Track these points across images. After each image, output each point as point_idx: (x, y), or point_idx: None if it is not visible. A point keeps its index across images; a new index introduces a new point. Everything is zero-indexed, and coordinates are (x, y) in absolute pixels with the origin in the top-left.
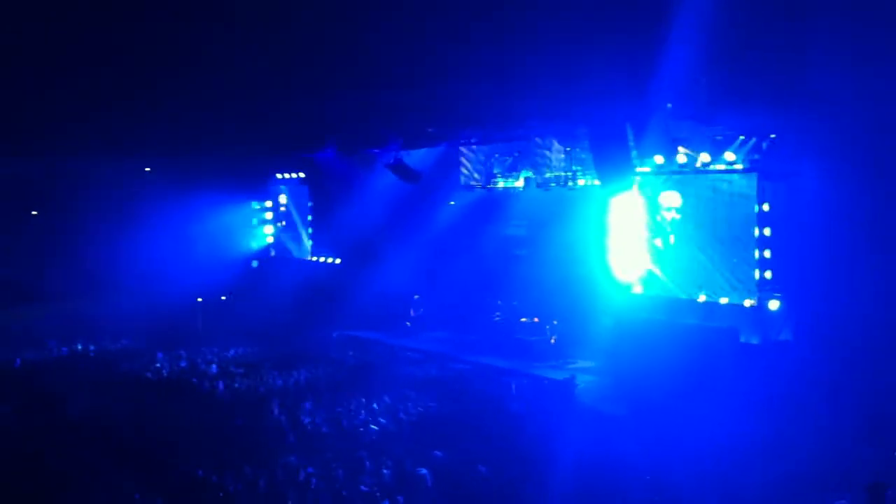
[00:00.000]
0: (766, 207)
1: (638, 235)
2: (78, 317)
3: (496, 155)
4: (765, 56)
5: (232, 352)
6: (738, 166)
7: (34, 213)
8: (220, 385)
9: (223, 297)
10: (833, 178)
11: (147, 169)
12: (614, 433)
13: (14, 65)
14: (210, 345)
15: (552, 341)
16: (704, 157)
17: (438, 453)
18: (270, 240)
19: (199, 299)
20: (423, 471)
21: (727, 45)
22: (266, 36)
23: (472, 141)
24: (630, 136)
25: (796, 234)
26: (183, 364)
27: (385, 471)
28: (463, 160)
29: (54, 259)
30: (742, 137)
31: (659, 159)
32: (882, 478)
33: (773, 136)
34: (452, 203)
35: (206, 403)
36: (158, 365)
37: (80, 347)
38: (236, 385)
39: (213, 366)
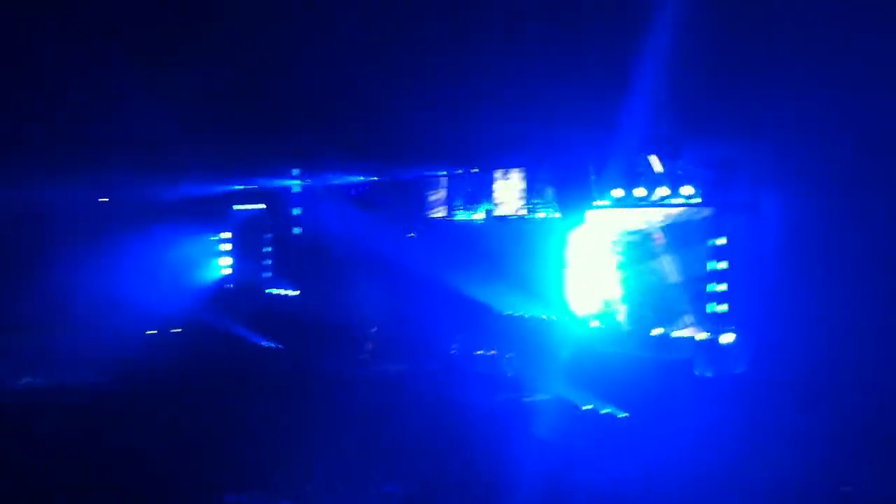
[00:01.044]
0: (722, 241)
1: (595, 268)
2: (28, 349)
3: (457, 187)
4: (724, 91)
5: (185, 385)
6: (697, 200)
7: None
8: (166, 418)
9: (175, 330)
10: (790, 211)
11: (104, 199)
12: (570, 464)
13: None
14: (162, 377)
15: (509, 374)
16: (663, 191)
17: (393, 488)
18: (228, 271)
19: (153, 332)
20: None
21: (687, 79)
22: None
23: (434, 173)
24: (591, 170)
25: (752, 267)
26: (135, 397)
27: None
28: (423, 192)
29: (8, 292)
30: (701, 171)
31: (618, 192)
32: None
33: (731, 170)
34: (412, 234)
35: (154, 436)
36: (106, 397)
37: (26, 380)
38: (182, 419)
39: (166, 399)
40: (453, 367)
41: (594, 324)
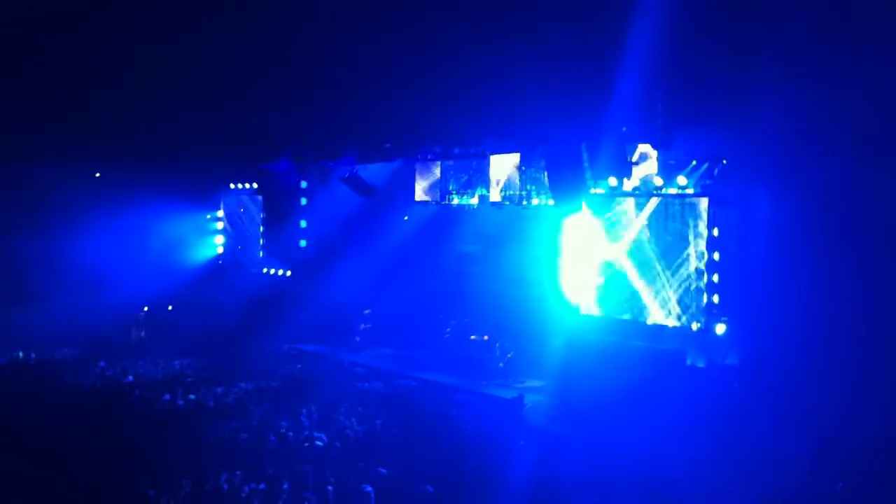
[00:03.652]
0: (715, 232)
1: (589, 256)
2: (22, 323)
3: (451, 171)
4: (717, 82)
5: (177, 363)
6: (690, 190)
7: None
8: (164, 397)
9: (170, 307)
10: (782, 203)
11: (97, 174)
12: (561, 453)
13: None
14: (154, 356)
15: (501, 361)
16: (657, 181)
17: (383, 470)
18: (220, 250)
19: (145, 308)
20: (368, 488)
21: (681, 70)
22: (224, 47)
23: (428, 157)
24: (585, 158)
25: (745, 258)
26: (125, 375)
27: (329, 487)
28: (417, 176)
29: None
30: (695, 162)
31: (612, 181)
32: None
33: (724, 161)
34: (406, 218)
35: (147, 416)
36: (99, 375)
37: (20, 355)
38: (179, 398)
39: (157, 377)
40: (446, 352)
41: (587, 311)
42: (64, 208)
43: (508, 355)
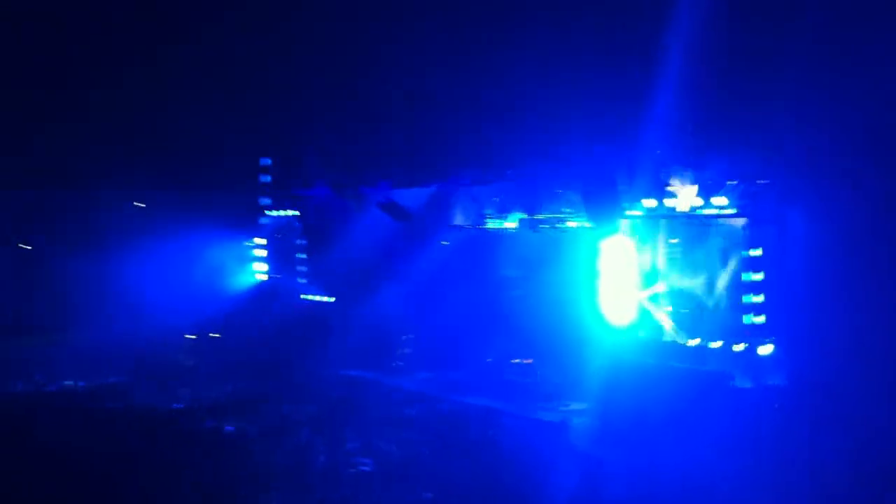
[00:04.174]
0: (757, 252)
1: (628, 278)
2: (69, 350)
3: (488, 196)
4: (752, 101)
5: (222, 389)
6: (729, 211)
7: (26, 246)
8: (210, 423)
9: (214, 335)
10: (824, 221)
11: (141, 204)
12: (606, 476)
13: (8, 92)
14: (201, 382)
15: (544, 384)
16: (695, 202)
17: (428, 494)
18: (262, 276)
19: (191, 336)
20: None
21: (716, 91)
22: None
23: (464, 182)
24: (621, 180)
25: (788, 278)
26: (172, 402)
27: None
28: (453, 200)
29: (45, 292)
30: (733, 182)
31: (649, 203)
32: None
33: (761, 180)
34: (445, 243)
35: (194, 441)
36: (147, 401)
37: (68, 383)
38: (224, 423)
39: (203, 403)
40: (488, 375)
41: (628, 333)
42: (110, 236)
43: (551, 378)
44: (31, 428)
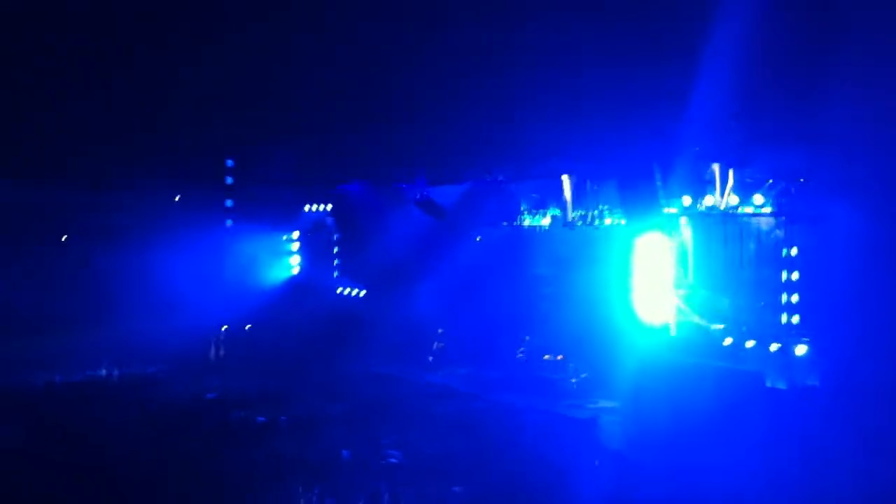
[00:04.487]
0: (794, 251)
1: (663, 276)
2: (105, 342)
3: (522, 192)
4: (793, 100)
5: (255, 382)
6: (766, 209)
7: (64, 237)
8: (243, 414)
9: (248, 327)
10: (862, 222)
11: (176, 198)
12: (636, 474)
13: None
14: (234, 374)
15: (574, 381)
16: (732, 200)
17: (457, 489)
18: (296, 271)
19: (224, 328)
20: None
21: (756, 88)
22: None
23: (499, 178)
24: (657, 177)
25: (824, 278)
26: (205, 393)
27: None
28: (488, 197)
29: (82, 285)
30: (770, 181)
31: (686, 200)
32: None
33: (801, 179)
34: (478, 239)
35: (227, 432)
36: (180, 392)
37: (103, 373)
38: (257, 415)
39: (236, 395)
40: (519, 372)
41: (662, 331)
42: (146, 230)
43: (582, 375)
44: (66, 416)
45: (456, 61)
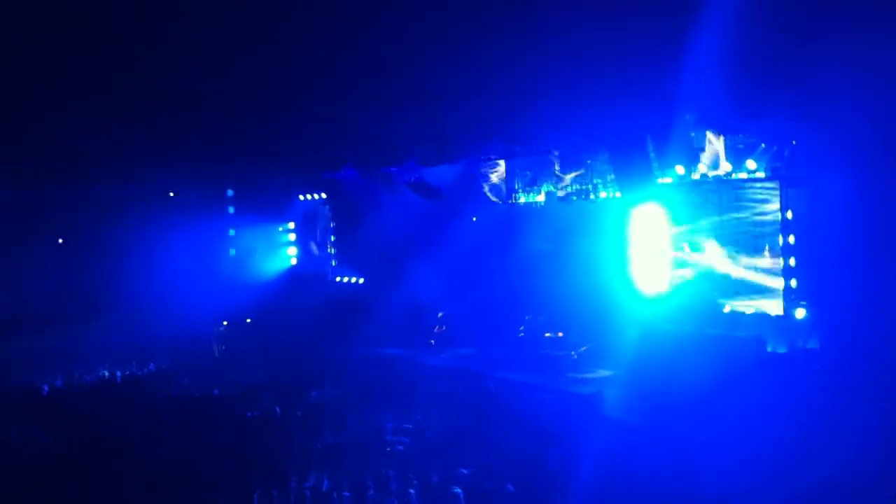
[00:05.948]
0: (789, 215)
1: (660, 246)
2: (103, 341)
3: (516, 170)
4: (784, 63)
5: (258, 374)
6: (760, 174)
7: (59, 240)
8: (248, 406)
9: (248, 321)
10: (857, 183)
11: (171, 194)
12: (640, 444)
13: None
14: (236, 368)
15: (575, 356)
16: (726, 167)
17: (464, 470)
18: (294, 261)
19: (224, 323)
20: (458, 490)
21: (746, 53)
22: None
23: (491, 156)
24: (650, 148)
25: (822, 241)
26: (210, 388)
27: (411, 490)
28: (482, 175)
29: (79, 284)
30: (763, 145)
31: (680, 170)
32: None
33: (794, 142)
34: (475, 219)
35: (234, 425)
36: (186, 389)
37: (106, 373)
38: (262, 406)
39: (240, 389)
40: (521, 350)
41: (661, 301)
42: (141, 227)
43: (582, 348)
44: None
45: (439, 37)
